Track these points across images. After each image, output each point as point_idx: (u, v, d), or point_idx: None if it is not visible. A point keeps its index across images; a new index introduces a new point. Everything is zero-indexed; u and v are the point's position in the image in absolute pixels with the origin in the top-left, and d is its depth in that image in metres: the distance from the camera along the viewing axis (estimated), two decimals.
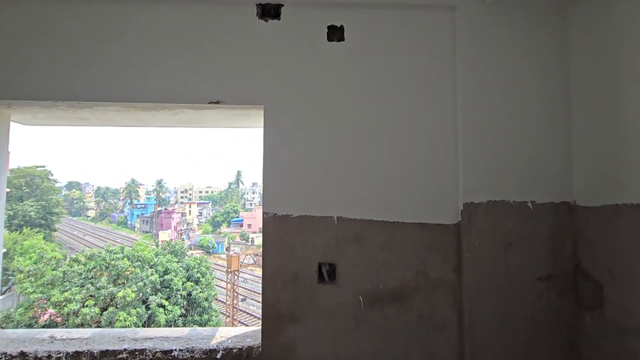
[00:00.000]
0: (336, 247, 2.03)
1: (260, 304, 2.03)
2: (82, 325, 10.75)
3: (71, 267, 12.64)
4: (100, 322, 11.16)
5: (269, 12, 2.09)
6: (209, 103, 2.03)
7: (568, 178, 2.08)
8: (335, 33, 2.11)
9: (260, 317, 2.02)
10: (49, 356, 1.87)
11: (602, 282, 1.87)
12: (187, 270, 14.06)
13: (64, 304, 11.20)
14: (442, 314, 2.05)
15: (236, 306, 20.15)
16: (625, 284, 1.75)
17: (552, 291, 2.04)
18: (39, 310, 11.70)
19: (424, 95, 2.12)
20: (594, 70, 1.98)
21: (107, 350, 1.90)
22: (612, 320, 1.82)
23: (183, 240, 35.85)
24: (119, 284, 12.35)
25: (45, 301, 11.65)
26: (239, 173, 72.59)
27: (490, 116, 2.09)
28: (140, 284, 12.16)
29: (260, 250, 2.50)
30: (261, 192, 2.15)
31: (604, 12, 1.92)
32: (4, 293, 18.32)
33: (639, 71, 1.72)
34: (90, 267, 12.54)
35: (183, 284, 13.19)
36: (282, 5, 2.09)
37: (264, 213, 2.03)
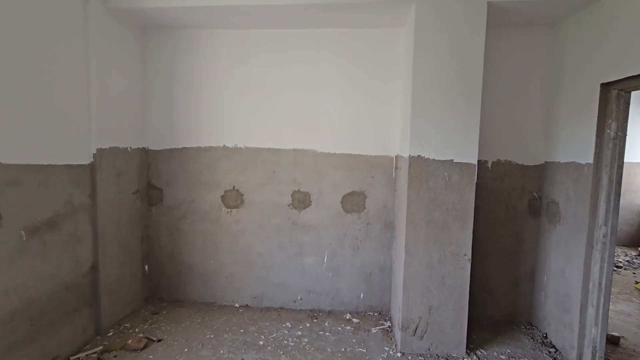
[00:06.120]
0: None
1: None
2: None
3: None
4: None
5: None
6: None
7: (144, 134, 3.58)
8: None
9: None
10: None
11: (162, 188, 3.66)
12: None
13: None
14: (82, 229, 2.86)
15: None
16: (174, 186, 3.65)
17: (140, 199, 3.52)
18: None
19: (51, 65, 2.64)
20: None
21: None
22: (167, 206, 3.68)
23: None
24: None
25: None
26: None
27: (114, 90, 3.06)
28: None
29: None
30: None
31: (170, 37, 3.52)
32: None
33: (186, 79, 3.54)
34: None
35: None
36: None
37: None
